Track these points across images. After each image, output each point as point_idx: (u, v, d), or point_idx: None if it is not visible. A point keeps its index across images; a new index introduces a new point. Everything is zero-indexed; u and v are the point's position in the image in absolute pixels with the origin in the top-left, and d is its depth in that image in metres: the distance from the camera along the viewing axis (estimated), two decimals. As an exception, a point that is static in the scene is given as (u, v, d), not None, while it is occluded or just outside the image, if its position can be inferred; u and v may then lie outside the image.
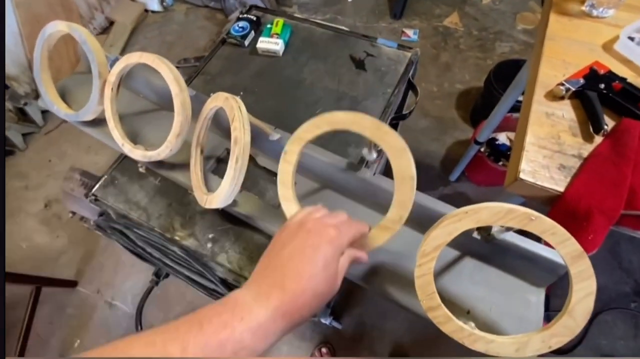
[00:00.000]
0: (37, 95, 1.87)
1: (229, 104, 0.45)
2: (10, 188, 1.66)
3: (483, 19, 1.98)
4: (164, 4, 2.21)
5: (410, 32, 1.95)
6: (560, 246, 0.35)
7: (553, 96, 0.59)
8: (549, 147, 0.54)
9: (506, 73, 1.40)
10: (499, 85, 1.37)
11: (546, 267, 0.43)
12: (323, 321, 1.15)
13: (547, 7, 0.74)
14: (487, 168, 1.33)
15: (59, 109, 0.60)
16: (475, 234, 0.46)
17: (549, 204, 0.53)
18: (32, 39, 1.77)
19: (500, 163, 1.34)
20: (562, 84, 0.57)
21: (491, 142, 1.37)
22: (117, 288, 1.42)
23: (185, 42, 2.08)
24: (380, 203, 0.50)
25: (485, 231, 0.45)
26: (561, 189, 0.50)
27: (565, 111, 0.57)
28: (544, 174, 0.52)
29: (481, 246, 0.46)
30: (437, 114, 1.68)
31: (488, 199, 0.47)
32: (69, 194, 1.27)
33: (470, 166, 1.40)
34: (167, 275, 0.53)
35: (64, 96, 0.64)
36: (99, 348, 0.24)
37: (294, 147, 0.44)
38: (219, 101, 0.47)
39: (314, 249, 0.31)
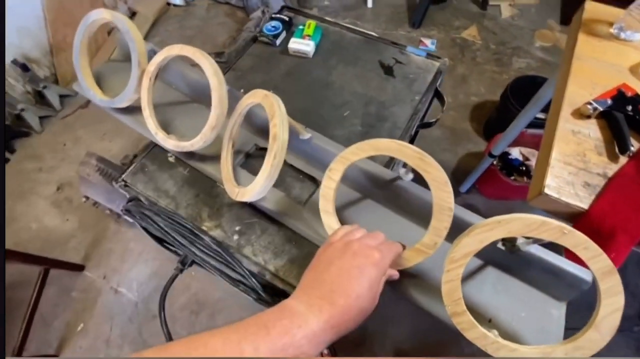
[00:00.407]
0: (56, 79, 1.90)
1: (268, 101, 0.46)
2: (24, 169, 1.68)
3: (501, 34, 1.99)
4: (186, -2, 2.24)
5: (428, 42, 1.97)
6: (592, 261, 0.35)
7: (580, 114, 0.60)
8: (574, 164, 0.55)
9: (523, 88, 1.41)
10: (515, 100, 1.38)
11: (570, 282, 0.44)
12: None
13: (575, 27, 0.75)
14: (499, 182, 1.33)
15: (95, 94, 0.61)
16: (500, 245, 0.47)
17: (572, 220, 0.54)
18: (56, 24, 1.80)
19: (512, 178, 1.35)
20: (590, 104, 0.58)
21: (504, 156, 1.38)
22: (123, 275, 1.43)
23: (205, 37, 2.10)
24: (420, 215, 0.51)
25: (510, 241, 0.46)
26: (585, 206, 0.51)
27: (592, 130, 0.58)
28: (568, 190, 0.53)
29: (505, 257, 0.47)
30: (450, 125, 1.69)
31: (498, 212, 0.48)
32: (85, 179, 1.29)
33: (482, 179, 1.40)
34: (191, 264, 0.54)
35: (98, 82, 0.65)
36: (181, 339, 0.27)
37: (338, 166, 0.47)
38: (258, 97, 0.48)
39: (360, 270, 0.34)
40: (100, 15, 0.58)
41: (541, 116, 1.19)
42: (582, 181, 0.53)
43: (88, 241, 1.51)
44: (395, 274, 0.42)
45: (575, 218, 0.54)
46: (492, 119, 1.60)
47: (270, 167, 0.44)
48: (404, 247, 0.43)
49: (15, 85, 1.75)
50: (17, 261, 1.17)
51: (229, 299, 1.36)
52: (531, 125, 1.07)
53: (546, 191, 0.53)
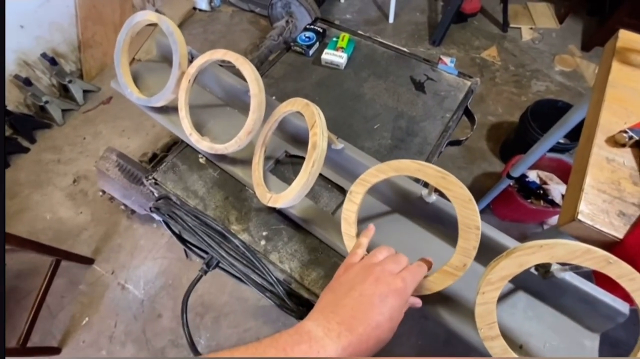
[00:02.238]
0: (81, 74, 1.95)
1: (309, 110, 0.46)
2: (43, 160, 1.71)
3: (521, 56, 2.00)
4: (212, 4, 2.30)
5: (447, 60, 1.98)
6: (637, 294, 0.34)
7: (614, 142, 0.59)
8: (609, 192, 0.54)
9: (543, 112, 1.41)
10: (535, 123, 1.37)
11: (605, 313, 0.43)
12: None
13: (608, 54, 0.75)
14: (515, 204, 1.32)
15: (132, 92, 0.62)
16: (533, 269, 0.46)
17: (605, 249, 0.53)
18: (86, 21, 1.85)
19: (529, 201, 1.34)
20: (625, 132, 0.58)
21: (521, 178, 1.37)
22: (131, 272, 1.43)
23: (227, 43, 2.14)
24: (449, 233, 0.50)
25: (544, 267, 0.45)
26: (620, 235, 0.50)
27: (627, 158, 0.57)
28: (602, 218, 0.52)
29: (537, 282, 0.46)
30: (466, 143, 1.68)
31: (511, 234, 0.48)
32: (103, 173, 1.30)
33: (497, 200, 1.39)
34: (216, 266, 0.53)
35: (134, 80, 0.66)
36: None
37: (359, 188, 0.46)
38: (297, 106, 0.49)
39: (381, 299, 0.33)
40: (145, 16, 0.59)
41: (561, 140, 1.18)
42: (617, 210, 0.52)
43: (99, 235, 1.52)
44: (417, 303, 0.40)
45: (608, 248, 0.53)
46: (510, 140, 1.59)
47: (307, 175, 0.44)
48: (430, 265, 0.41)
49: (42, 77, 1.79)
50: (31, 250, 1.18)
51: (235, 304, 1.35)
52: (550, 149, 1.06)
53: (580, 217, 0.52)
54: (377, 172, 0.46)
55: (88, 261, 1.44)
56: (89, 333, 1.33)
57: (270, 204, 0.49)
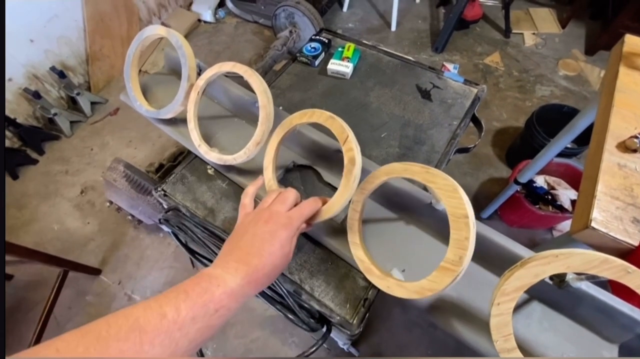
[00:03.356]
0: (88, 87, 1.98)
1: (336, 123, 0.46)
2: (51, 171, 1.73)
3: (524, 61, 2.00)
4: (217, 16, 2.34)
5: (450, 67, 1.99)
6: (658, 304, 0.34)
7: (625, 148, 0.58)
8: (622, 198, 0.53)
9: (549, 117, 1.41)
10: (541, 128, 1.37)
11: (623, 323, 0.42)
12: (341, 345, 1.13)
13: (615, 60, 0.74)
14: (523, 209, 1.30)
15: (141, 105, 0.63)
16: (547, 279, 0.45)
17: (619, 256, 0.52)
18: (94, 35, 1.89)
19: (538, 206, 1.32)
20: (636, 137, 0.57)
21: (528, 184, 1.36)
22: (138, 282, 1.43)
23: (232, 54, 2.17)
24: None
25: (559, 277, 0.45)
26: (635, 243, 0.49)
27: (638, 164, 0.57)
28: (616, 225, 0.51)
29: (553, 292, 0.45)
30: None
31: (519, 241, 0.47)
32: (111, 184, 1.31)
33: (505, 206, 1.38)
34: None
35: (143, 92, 0.67)
36: (105, 316, 0.28)
37: (358, 197, 0.47)
38: (317, 117, 0.48)
39: (271, 233, 0.38)
40: (154, 30, 0.60)
41: (569, 145, 1.17)
42: (631, 217, 0.52)
43: (106, 245, 1.52)
44: (306, 229, 0.46)
45: (622, 255, 0.52)
46: (516, 146, 1.58)
47: (349, 190, 0.44)
48: (324, 201, 0.46)
49: (51, 90, 1.83)
50: (40, 261, 1.19)
51: (241, 315, 1.34)
52: (557, 154, 1.06)
53: (593, 224, 0.51)
54: (372, 179, 0.46)
55: (95, 272, 1.45)
56: (95, 344, 1.32)
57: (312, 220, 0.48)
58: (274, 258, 0.37)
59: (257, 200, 0.47)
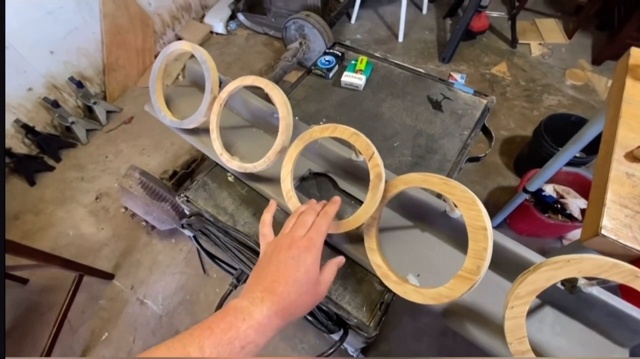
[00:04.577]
0: (104, 96, 2.04)
1: (361, 140, 0.48)
2: (67, 178, 1.78)
3: (531, 71, 2.02)
4: (228, 28, 2.41)
5: (457, 76, 2.02)
6: (667, 308, 0.35)
7: (633, 157, 0.60)
8: (631, 207, 0.55)
9: (556, 126, 1.42)
10: (548, 137, 1.38)
11: (634, 327, 0.43)
12: (351, 352, 1.14)
13: (622, 71, 0.76)
14: (532, 218, 1.31)
15: (165, 115, 0.66)
16: (559, 284, 0.46)
17: (629, 263, 0.53)
18: (111, 46, 1.96)
19: (547, 215, 1.33)
20: (644, 147, 0.58)
21: (537, 192, 1.36)
22: (150, 287, 1.46)
23: (243, 64, 2.23)
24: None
25: (570, 282, 0.46)
26: (645, 250, 0.50)
27: (647, 173, 0.58)
28: (626, 233, 0.52)
29: (564, 297, 0.47)
30: (480, 158, 1.69)
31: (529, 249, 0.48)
32: (126, 190, 1.35)
33: (514, 214, 1.38)
34: (245, 280, 0.55)
35: (166, 104, 0.71)
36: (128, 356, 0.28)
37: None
38: (340, 133, 0.49)
39: (294, 259, 0.38)
40: (179, 46, 0.64)
41: (577, 154, 1.18)
42: (640, 225, 0.53)
43: (120, 250, 1.55)
44: (340, 261, 0.44)
45: (632, 262, 0.53)
46: (524, 155, 1.59)
47: (375, 204, 0.46)
48: (337, 202, 0.45)
49: (69, 99, 1.89)
50: (57, 265, 1.22)
51: (252, 320, 1.36)
52: (566, 163, 1.07)
53: (603, 232, 0.52)
54: (390, 188, 0.48)
55: (108, 276, 1.48)
56: (108, 348, 1.35)
57: (329, 232, 0.50)
58: (299, 285, 0.36)
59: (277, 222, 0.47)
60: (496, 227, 1.47)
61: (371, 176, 0.46)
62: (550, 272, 0.39)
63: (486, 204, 1.62)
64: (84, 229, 1.62)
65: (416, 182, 0.46)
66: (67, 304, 1.31)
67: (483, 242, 0.40)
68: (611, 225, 0.53)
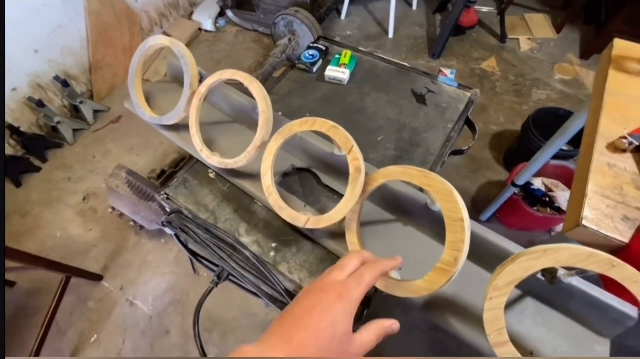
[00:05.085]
0: (91, 95, 2.01)
1: (340, 133, 0.47)
2: (54, 179, 1.75)
3: (520, 66, 2.03)
4: (217, 25, 2.38)
5: (447, 72, 2.02)
6: (643, 296, 0.35)
7: (615, 148, 0.60)
8: (612, 197, 0.55)
9: (545, 120, 1.42)
10: (537, 131, 1.39)
11: (614, 317, 0.43)
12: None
13: (605, 63, 0.76)
14: (521, 212, 1.32)
15: (145, 112, 0.65)
16: (540, 275, 0.46)
17: (611, 253, 0.53)
18: (97, 45, 1.93)
19: (536, 208, 1.33)
20: (625, 138, 0.59)
21: (526, 186, 1.37)
22: (139, 288, 1.44)
23: (232, 61, 2.21)
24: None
25: (550, 272, 0.46)
26: (626, 240, 0.51)
27: (628, 164, 0.58)
28: (607, 223, 0.52)
29: (545, 288, 0.46)
30: (470, 153, 1.69)
31: (519, 243, 0.48)
32: (114, 190, 1.33)
33: (503, 208, 1.39)
34: (226, 278, 0.55)
35: (147, 100, 0.69)
36: None
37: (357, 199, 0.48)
38: (319, 126, 0.49)
39: (322, 306, 0.32)
40: (158, 40, 0.63)
41: (565, 147, 1.19)
42: (621, 215, 0.53)
43: (108, 251, 1.53)
44: (392, 327, 0.37)
45: (614, 253, 0.53)
46: (513, 149, 1.60)
47: (355, 198, 0.45)
48: (395, 263, 0.40)
49: (54, 99, 1.86)
50: (43, 267, 1.20)
51: (243, 319, 1.35)
52: (554, 156, 1.07)
53: (584, 222, 0.52)
54: (370, 182, 0.48)
55: (97, 278, 1.46)
56: (97, 350, 1.33)
57: (309, 227, 0.49)
58: (320, 338, 0.30)
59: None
60: (486, 222, 1.49)
61: (351, 170, 0.45)
62: (528, 262, 0.38)
63: (476, 198, 1.63)
64: (72, 231, 1.59)
65: (395, 176, 0.46)
66: (55, 307, 1.29)
67: (460, 234, 0.40)
68: (592, 216, 0.53)
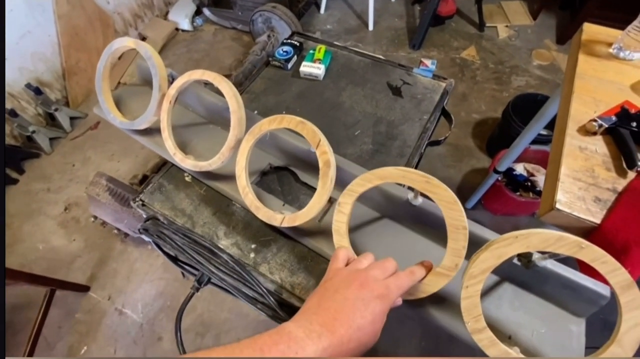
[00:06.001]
0: (67, 102, 1.95)
1: (307, 128, 0.47)
2: (32, 190, 1.70)
3: (499, 53, 2.06)
4: (194, 24, 2.33)
5: (428, 62, 2.02)
6: (610, 275, 0.36)
7: (586, 131, 0.61)
8: (584, 179, 0.56)
9: (524, 106, 1.45)
10: (517, 117, 1.41)
11: (588, 297, 0.44)
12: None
13: (575, 47, 0.78)
14: (504, 197, 1.34)
15: (115, 117, 0.63)
16: (516, 260, 0.47)
17: (584, 235, 0.54)
18: (69, 49, 1.87)
19: (518, 193, 1.36)
20: (595, 120, 0.60)
21: (508, 172, 1.39)
22: (128, 296, 1.42)
23: (212, 61, 2.17)
24: (440, 235, 0.51)
25: (525, 257, 0.47)
26: (597, 220, 0.52)
27: (598, 146, 0.60)
28: (580, 205, 0.53)
29: (521, 273, 0.47)
30: (453, 142, 1.71)
31: (505, 228, 0.49)
32: (94, 198, 1.30)
33: (488, 195, 1.41)
34: (207, 282, 0.54)
35: (117, 105, 0.67)
36: None
37: (347, 199, 0.47)
38: (287, 123, 0.48)
39: (365, 303, 0.33)
40: (123, 43, 0.61)
41: (544, 132, 1.21)
42: (593, 196, 0.54)
43: (94, 261, 1.50)
44: (397, 303, 0.40)
45: (588, 233, 0.54)
46: (495, 136, 1.62)
47: (327, 193, 0.45)
48: (429, 267, 0.42)
49: (28, 108, 1.80)
50: (24, 282, 1.17)
51: (235, 321, 1.34)
52: (534, 141, 1.09)
53: (558, 206, 0.53)
54: (363, 182, 0.46)
55: (83, 289, 1.43)
56: (88, 362, 1.31)
57: (285, 225, 0.49)
58: (361, 334, 0.32)
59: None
60: (472, 209, 1.51)
61: (320, 164, 0.45)
62: (500, 249, 0.39)
63: (461, 186, 1.65)
64: (55, 242, 1.55)
65: (393, 178, 0.44)
66: (40, 321, 1.26)
67: (463, 241, 0.41)
68: (565, 199, 0.54)
